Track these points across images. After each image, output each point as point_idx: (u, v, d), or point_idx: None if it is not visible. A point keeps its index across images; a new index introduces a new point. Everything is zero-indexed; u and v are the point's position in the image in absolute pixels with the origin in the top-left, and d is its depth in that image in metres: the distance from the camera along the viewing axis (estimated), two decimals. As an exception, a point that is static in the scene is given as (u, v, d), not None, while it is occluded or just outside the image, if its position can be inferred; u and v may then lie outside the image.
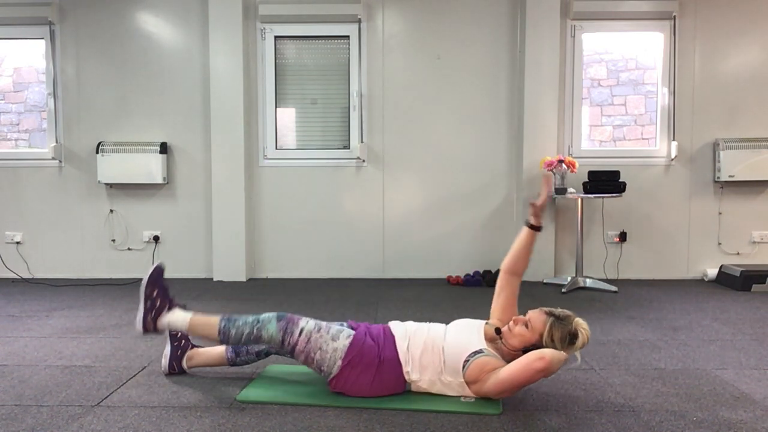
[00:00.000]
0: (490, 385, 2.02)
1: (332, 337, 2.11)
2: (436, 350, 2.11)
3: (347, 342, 2.11)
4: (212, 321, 2.15)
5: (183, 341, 2.39)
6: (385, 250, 4.79)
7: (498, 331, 2.15)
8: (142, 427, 1.93)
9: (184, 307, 2.35)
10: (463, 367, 2.06)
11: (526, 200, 4.58)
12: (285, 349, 2.13)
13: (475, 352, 2.06)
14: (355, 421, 1.98)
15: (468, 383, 2.07)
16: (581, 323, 2.05)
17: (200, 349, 2.42)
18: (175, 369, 2.38)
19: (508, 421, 1.97)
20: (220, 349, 2.39)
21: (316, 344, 2.10)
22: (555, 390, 2.26)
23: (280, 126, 4.81)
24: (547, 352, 1.92)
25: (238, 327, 2.11)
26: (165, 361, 2.38)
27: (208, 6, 4.59)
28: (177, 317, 2.16)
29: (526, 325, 2.08)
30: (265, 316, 2.14)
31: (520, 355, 2.04)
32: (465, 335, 2.13)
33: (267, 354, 2.37)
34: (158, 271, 2.16)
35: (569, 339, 2.02)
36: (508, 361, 2.07)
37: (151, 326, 2.14)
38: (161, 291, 2.15)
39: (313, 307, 3.73)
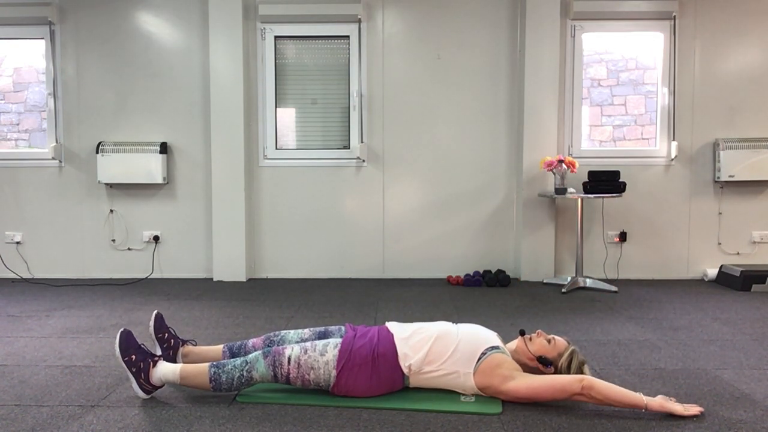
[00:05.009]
0: (519, 387, 2.05)
1: (320, 353, 2.13)
2: (448, 339, 2.16)
3: (336, 351, 2.13)
4: (202, 369, 2.12)
5: (172, 341, 2.39)
6: (385, 250, 4.79)
7: (523, 332, 2.26)
8: (142, 427, 1.93)
9: (194, 343, 2.42)
10: (479, 358, 2.10)
11: (526, 200, 4.58)
12: (280, 381, 2.14)
13: (493, 347, 2.13)
14: (355, 421, 1.98)
15: (476, 374, 2.10)
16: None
17: (196, 348, 2.41)
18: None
19: (508, 421, 1.97)
20: (216, 350, 2.39)
21: (307, 365, 2.11)
22: (555, 390, 2.26)
23: (280, 126, 4.81)
24: (591, 380, 2.01)
25: (228, 372, 2.11)
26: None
27: (208, 6, 4.59)
28: (167, 371, 2.12)
29: (549, 342, 2.20)
30: (251, 356, 2.15)
31: (533, 363, 2.17)
32: (482, 331, 2.23)
33: None
34: (124, 337, 2.12)
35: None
36: (522, 366, 2.17)
37: (149, 387, 2.13)
38: (138, 352, 2.12)
39: (313, 307, 3.73)
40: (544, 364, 2.15)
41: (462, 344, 2.14)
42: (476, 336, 2.17)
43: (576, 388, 1.98)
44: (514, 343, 2.27)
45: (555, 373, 2.14)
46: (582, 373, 2.14)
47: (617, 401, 1.97)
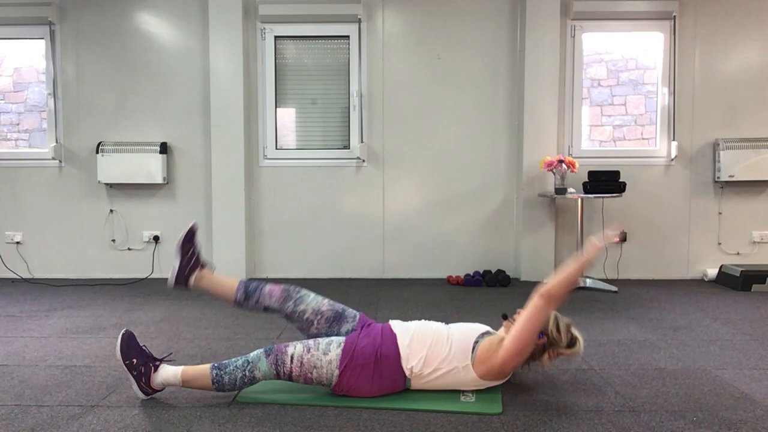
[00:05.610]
0: (507, 346, 2.07)
1: (323, 352, 2.11)
2: (442, 340, 2.16)
3: (339, 351, 2.12)
4: (203, 371, 2.11)
5: (194, 260, 2.36)
6: (385, 250, 4.79)
7: (505, 316, 2.28)
8: (142, 427, 1.93)
9: (212, 269, 2.41)
10: (473, 348, 2.12)
11: (526, 200, 4.58)
12: (282, 378, 2.13)
13: (484, 333, 2.17)
14: (355, 421, 1.98)
15: (474, 365, 2.11)
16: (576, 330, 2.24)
17: (212, 276, 2.38)
18: (180, 285, 2.35)
19: (508, 421, 1.97)
20: (230, 286, 2.36)
21: (310, 364, 2.10)
22: (555, 390, 2.26)
23: (280, 126, 4.81)
24: (543, 287, 2.06)
25: (230, 373, 2.09)
26: (171, 275, 2.35)
27: (208, 6, 4.59)
28: (168, 375, 2.12)
29: None
30: (253, 355, 2.13)
31: None
32: (471, 324, 2.26)
33: (273, 312, 2.34)
34: (126, 339, 2.12)
35: (570, 338, 2.18)
36: None
37: (150, 390, 2.13)
38: (140, 356, 2.12)
39: (313, 307, 3.73)
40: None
41: (455, 340, 2.16)
42: (465, 329, 2.20)
43: (540, 302, 2.05)
44: (501, 330, 2.27)
45: (548, 340, 2.17)
46: (571, 333, 2.18)
47: (571, 279, 2.05)
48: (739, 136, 4.62)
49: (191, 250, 2.36)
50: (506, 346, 2.07)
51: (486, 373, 2.11)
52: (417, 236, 4.78)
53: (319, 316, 2.29)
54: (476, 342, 2.14)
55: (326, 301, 2.35)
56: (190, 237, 2.38)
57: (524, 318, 2.07)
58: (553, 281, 2.06)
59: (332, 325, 2.29)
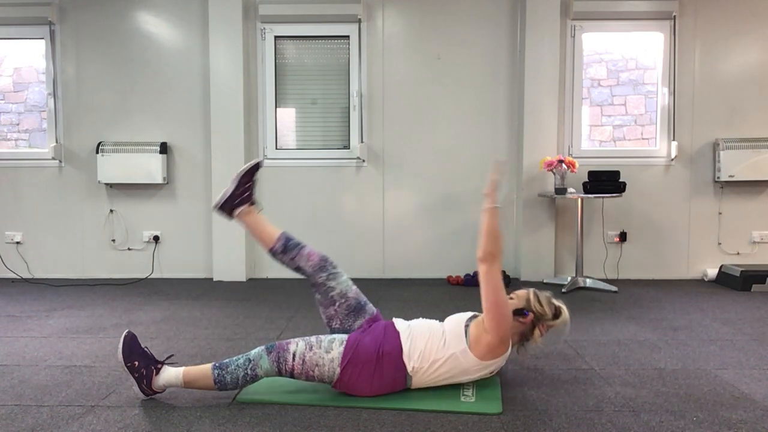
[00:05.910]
0: (487, 322, 2.12)
1: (326, 350, 2.12)
2: (438, 334, 2.20)
3: (341, 349, 2.12)
4: (205, 372, 2.11)
5: (246, 194, 2.36)
6: (385, 250, 4.79)
7: None
8: (142, 427, 1.93)
9: (259, 210, 2.43)
10: (465, 333, 2.16)
11: (526, 200, 4.58)
12: (283, 375, 2.14)
13: (471, 317, 2.24)
14: (355, 421, 1.98)
15: (471, 347, 2.13)
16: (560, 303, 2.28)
17: (258, 216, 2.38)
18: (224, 212, 2.36)
19: (508, 421, 1.97)
20: (272, 233, 2.36)
21: (312, 362, 2.10)
22: (555, 390, 2.26)
23: (280, 126, 4.81)
24: (478, 253, 2.18)
25: (232, 372, 2.09)
26: (220, 198, 2.36)
27: (208, 6, 4.59)
28: (170, 377, 2.12)
29: (512, 298, 2.28)
30: (254, 352, 2.13)
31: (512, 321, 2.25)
32: (459, 314, 2.32)
33: (303, 274, 2.36)
34: (128, 341, 2.12)
35: (554, 309, 2.23)
36: None
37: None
38: (141, 358, 2.12)
39: (312, 307, 3.73)
40: (521, 315, 2.21)
41: (447, 331, 2.20)
42: (455, 318, 2.26)
43: (484, 267, 2.14)
44: None
45: (535, 316, 2.21)
46: (554, 304, 2.23)
47: (493, 231, 2.19)
48: (739, 136, 4.62)
49: (248, 183, 2.37)
50: (487, 319, 2.12)
51: (486, 352, 2.12)
52: (417, 236, 4.78)
53: (343, 300, 2.31)
54: (466, 326, 2.18)
55: (354, 288, 2.38)
56: (252, 171, 2.38)
57: (483, 287, 2.13)
58: (481, 244, 2.15)
59: (350, 314, 2.30)
